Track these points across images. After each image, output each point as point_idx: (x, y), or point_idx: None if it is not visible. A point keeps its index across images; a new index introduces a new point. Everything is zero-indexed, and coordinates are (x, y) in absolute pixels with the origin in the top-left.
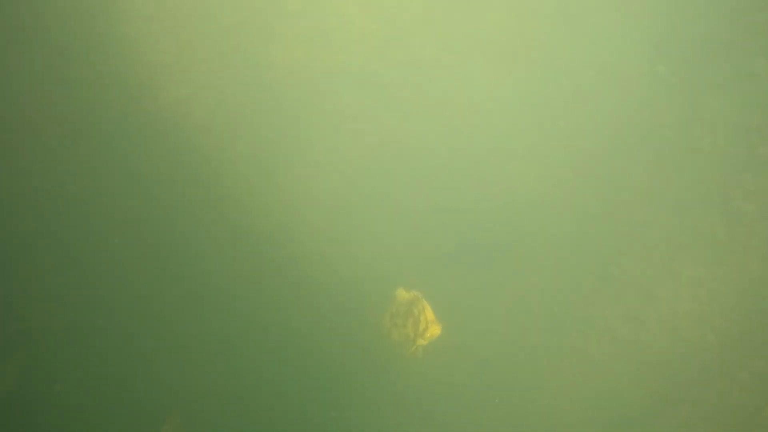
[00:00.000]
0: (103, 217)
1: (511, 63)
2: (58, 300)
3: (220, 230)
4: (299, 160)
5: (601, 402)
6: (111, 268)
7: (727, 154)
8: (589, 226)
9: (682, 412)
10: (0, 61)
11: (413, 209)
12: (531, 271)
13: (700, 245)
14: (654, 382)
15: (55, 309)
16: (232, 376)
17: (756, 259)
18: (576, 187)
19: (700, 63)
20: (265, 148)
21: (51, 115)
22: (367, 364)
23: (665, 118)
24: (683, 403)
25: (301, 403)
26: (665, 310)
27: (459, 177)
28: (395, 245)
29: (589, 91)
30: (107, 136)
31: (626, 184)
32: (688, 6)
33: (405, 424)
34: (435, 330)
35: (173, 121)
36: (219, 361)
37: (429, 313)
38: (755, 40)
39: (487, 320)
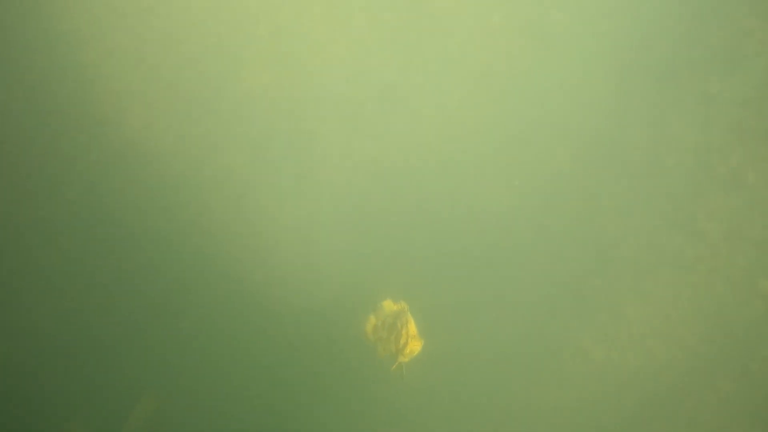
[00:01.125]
0: (69, 243)
1: (481, 83)
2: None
3: (190, 256)
4: (270, 185)
5: (577, 422)
6: (83, 291)
7: (690, 174)
8: (560, 246)
9: None
10: None
11: (390, 228)
12: (507, 290)
13: (668, 265)
14: (627, 402)
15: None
16: (211, 398)
17: (720, 279)
18: (547, 207)
19: (664, 83)
20: (234, 173)
21: (13, 144)
22: (352, 378)
23: (632, 137)
24: (655, 424)
25: (283, 418)
26: (635, 331)
27: (434, 197)
28: (375, 262)
29: (557, 111)
30: (71, 162)
31: (595, 203)
32: (653, 28)
33: None
34: (415, 346)
35: (139, 147)
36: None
37: (412, 328)
38: (712, 62)
39: (463, 341)
